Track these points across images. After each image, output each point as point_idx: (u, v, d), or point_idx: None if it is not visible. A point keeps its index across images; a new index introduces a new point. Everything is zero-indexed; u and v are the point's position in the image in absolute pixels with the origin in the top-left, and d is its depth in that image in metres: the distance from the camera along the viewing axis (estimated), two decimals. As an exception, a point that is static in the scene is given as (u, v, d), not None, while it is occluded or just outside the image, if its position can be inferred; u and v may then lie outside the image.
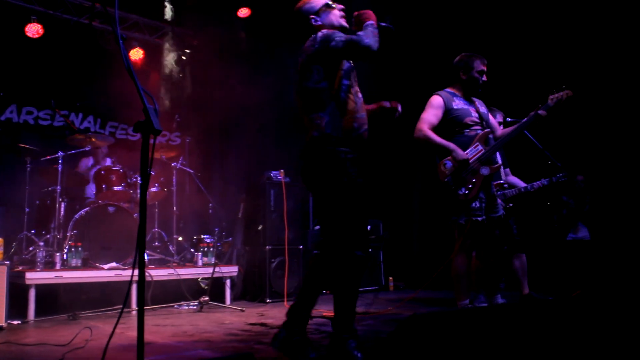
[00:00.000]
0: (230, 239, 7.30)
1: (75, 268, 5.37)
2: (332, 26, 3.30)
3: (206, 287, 5.99)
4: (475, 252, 4.45)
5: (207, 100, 8.55)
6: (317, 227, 8.34)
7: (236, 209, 7.40)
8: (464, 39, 7.02)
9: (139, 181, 6.30)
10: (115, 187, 6.05)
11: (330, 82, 3.18)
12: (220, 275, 6.10)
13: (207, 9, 8.03)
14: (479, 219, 4.19)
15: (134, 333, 4.19)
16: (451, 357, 2.12)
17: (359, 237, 3.09)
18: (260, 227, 6.60)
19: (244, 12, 8.31)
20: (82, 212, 5.72)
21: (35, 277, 5.01)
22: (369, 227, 7.61)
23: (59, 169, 5.86)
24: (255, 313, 5.41)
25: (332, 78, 3.19)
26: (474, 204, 4.20)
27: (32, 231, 6.03)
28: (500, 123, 5.12)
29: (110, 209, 5.87)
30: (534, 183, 5.34)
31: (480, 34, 7.16)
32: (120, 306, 5.27)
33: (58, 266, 5.32)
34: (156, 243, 6.59)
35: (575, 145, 6.87)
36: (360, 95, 3.30)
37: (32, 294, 4.95)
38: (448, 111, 4.35)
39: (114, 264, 5.57)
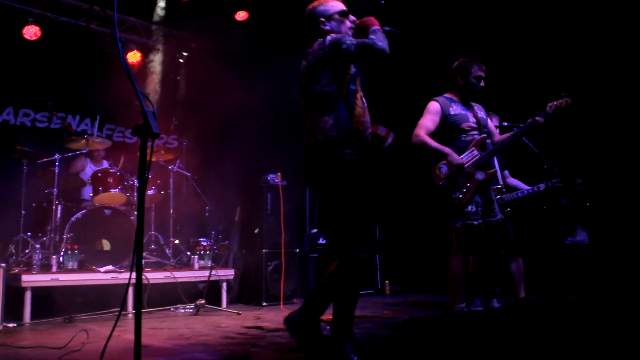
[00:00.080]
0: (227, 242, 7.30)
1: (72, 271, 5.37)
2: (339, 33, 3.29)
3: (203, 290, 5.99)
4: (471, 256, 4.47)
5: (204, 103, 8.55)
6: (314, 231, 8.36)
7: (233, 212, 7.40)
8: (463, 45, 7.05)
9: (135, 184, 6.29)
10: (112, 190, 6.04)
11: (337, 86, 3.18)
12: (216, 278, 6.10)
13: (205, 12, 8.04)
14: (475, 222, 4.22)
15: (130, 336, 4.20)
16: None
17: (363, 239, 3.10)
18: (256, 231, 6.60)
19: (241, 15, 8.32)
20: (79, 214, 5.71)
21: (32, 279, 5.00)
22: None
23: (56, 171, 5.86)
24: (251, 316, 5.41)
25: (339, 82, 3.19)
26: (469, 208, 4.23)
27: (29, 233, 6.01)
28: (496, 127, 5.14)
29: (107, 211, 5.86)
30: (535, 186, 5.37)
31: (479, 39, 7.20)
32: (117, 309, 5.32)
33: (54, 269, 5.32)
34: (153, 246, 6.58)
35: (573, 148, 6.91)
36: (364, 100, 3.31)
37: (28, 296, 4.94)
38: (445, 117, 4.39)
39: (110, 267, 5.56)
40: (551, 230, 6.49)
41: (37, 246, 5.56)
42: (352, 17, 3.37)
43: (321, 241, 7.81)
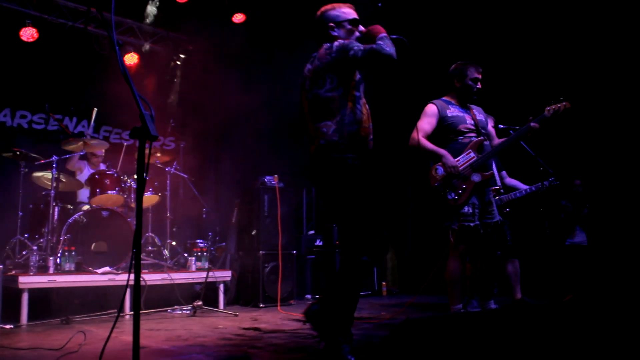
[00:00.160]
0: (224, 243, 7.30)
1: (69, 272, 5.37)
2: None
3: (200, 292, 5.99)
4: (468, 258, 4.49)
5: (201, 105, 8.57)
6: (311, 232, 8.38)
7: (230, 213, 7.41)
8: (462, 48, 7.11)
9: (133, 185, 6.30)
10: (109, 192, 6.04)
11: (341, 92, 3.20)
12: (213, 280, 6.10)
13: (202, 14, 8.05)
14: (471, 224, 4.24)
15: (127, 337, 4.21)
16: (444, 362, 2.15)
17: (365, 242, 3.11)
18: (254, 232, 6.61)
19: (238, 18, 8.33)
20: (76, 216, 5.71)
21: (29, 281, 4.99)
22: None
23: (53, 173, 5.85)
24: (248, 318, 5.42)
25: (344, 88, 3.21)
26: (465, 210, 4.26)
27: (26, 235, 6.01)
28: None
29: (104, 213, 5.86)
30: (533, 186, 5.40)
31: (477, 42, 7.25)
32: (114, 310, 5.33)
33: (51, 270, 5.32)
34: (150, 248, 6.58)
35: (572, 150, 6.95)
36: (367, 106, 3.34)
37: (25, 298, 4.94)
38: (442, 119, 4.43)
39: (107, 269, 5.56)
40: (547, 232, 6.51)
41: (34, 248, 5.56)
42: (362, 28, 3.37)
43: (318, 243, 7.82)
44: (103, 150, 6.91)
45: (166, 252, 6.52)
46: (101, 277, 5.43)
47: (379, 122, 3.51)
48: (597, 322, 2.88)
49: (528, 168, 5.55)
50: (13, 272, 5.39)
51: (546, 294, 6.21)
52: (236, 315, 5.54)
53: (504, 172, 5.71)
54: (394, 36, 3.25)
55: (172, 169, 6.91)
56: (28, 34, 7.27)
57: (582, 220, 7.06)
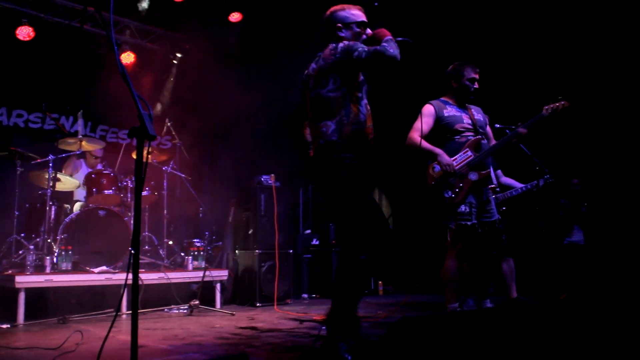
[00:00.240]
0: (221, 243, 7.31)
1: (66, 271, 5.37)
2: None
3: (197, 291, 6.00)
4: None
5: (198, 104, 8.56)
6: (307, 231, 8.39)
7: (226, 213, 7.42)
8: (461, 48, 7.16)
9: (129, 185, 6.29)
10: (105, 191, 6.04)
11: (343, 92, 3.24)
12: (210, 279, 6.11)
13: (199, 13, 8.05)
14: (468, 223, 4.26)
15: (124, 336, 4.22)
16: (441, 359, 2.17)
17: (363, 241, 3.13)
18: (250, 231, 6.61)
19: (235, 17, 8.33)
20: (73, 215, 5.71)
21: (25, 280, 4.99)
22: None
23: (50, 172, 5.85)
24: (245, 317, 5.43)
25: (346, 88, 3.24)
26: (461, 209, 4.28)
27: (22, 234, 6.00)
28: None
29: (101, 212, 5.86)
30: (529, 184, 5.42)
31: (476, 43, 7.28)
32: (111, 309, 5.33)
33: (48, 270, 5.32)
34: (146, 247, 6.58)
35: (570, 149, 6.99)
36: (368, 107, 3.36)
37: (21, 297, 4.93)
38: (439, 119, 4.47)
39: (104, 268, 5.56)
40: (543, 230, 6.54)
41: (31, 247, 5.56)
42: (369, 32, 3.39)
43: (314, 242, 7.84)
44: (102, 151, 6.91)
45: (163, 252, 6.52)
46: (98, 276, 5.43)
47: (378, 121, 3.52)
48: (591, 321, 2.90)
49: (524, 167, 5.58)
50: (10, 271, 5.39)
51: (542, 293, 6.23)
52: (233, 315, 5.55)
53: (499, 171, 5.74)
54: (400, 38, 3.29)
55: (169, 168, 6.91)
56: (24, 33, 7.26)
57: (580, 218, 7.09)
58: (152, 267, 6.25)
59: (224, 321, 5.14)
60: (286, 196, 6.97)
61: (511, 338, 2.44)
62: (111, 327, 2.47)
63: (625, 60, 6.54)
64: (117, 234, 5.83)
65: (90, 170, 6.64)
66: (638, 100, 6.47)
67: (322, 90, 3.27)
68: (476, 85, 4.51)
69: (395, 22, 4.60)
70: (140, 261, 6.27)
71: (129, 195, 6.30)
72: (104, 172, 6.17)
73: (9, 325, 4.75)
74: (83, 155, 6.84)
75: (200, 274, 6.01)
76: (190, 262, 6.28)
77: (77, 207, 6.18)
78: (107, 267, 5.59)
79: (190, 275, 6.15)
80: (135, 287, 2.05)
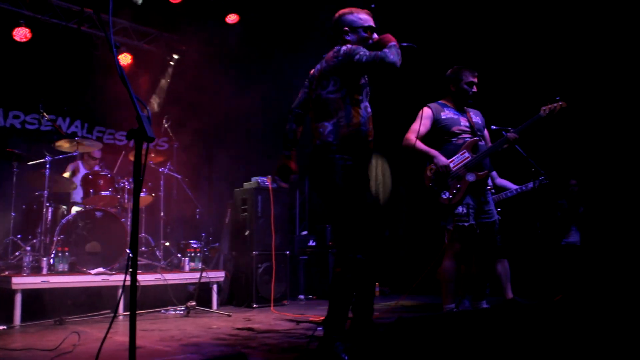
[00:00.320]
0: (217, 244, 7.32)
1: (62, 273, 5.37)
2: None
3: (193, 292, 6.01)
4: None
5: (195, 106, 8.57)
6: (304, 233, 8.40)
7: (223, 214, 7.42)
8: (458, 49, 7.21)
9: (126, 186, 6.30)
10: (102, 192, 6.04)
11: (342, 94, 3.28)
12: (207, 280, 6.12)
13: (195, 15, 8.06)
14: (465, 224, 4.29)
15: (121, 338, 4.22)
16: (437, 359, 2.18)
17: (359, 241, 3.17)
18: (247, 233, 6.62)
19: (232, 19, 8.35)
20: (69, 216, 5.72)
21: (22, 282, 4.99)
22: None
23: (47, 173, 5.85)
24: (242, 318, 5.43)
25: (346, 91, 3.29)
26: (459, 210, 4.31)
27: (19, 236, 6.01)
28: None
29: (98, 213, 5.87)
30: (523, 185, 5.45)
31: (473, 44, 7.32)
32: (107, 311, 5.32)
33: (45, 271, 5.32)
34: (143, 248, 6.59)
35: (568, 150, 7.03)
36: (369, 110, 3.39)
37: (18, 298, 4.93)
38: (436, 121, 4.51)
39: (101, 269, 5.56)
40: (539, 232, 6.57)
41: (28, 248, 5.55)
42: (375, 37, 3.43)
43: (311, 243, 7.85)
44: (100, 152, 6.91)
45: (159, 253, 6.53)
46: (95, 277, 5.44)
47: (378, 123, 3.56)
48: (586, 322, 2.93)
49: (520, 168, 5.61)
50: (6, 272, 5.38)
51: (538, 294, 6.25)
52: (229, 316, 5.56)
53: (494, 173, 5.76)
54: (405, 44, 3.35)
55: (166, 170, 6.93)
56: (21, 34, 7.26)
57: (578, 219, 7.13)
58: (149, 269, 6.25)
59: (220, 322, 5.14)
60: (283, 197, 6.98)
61: (507, 338, 2.46)
62: (109, 328, 2.48)
63: (623, 61, 6.58)
64: (113, 235, 5.84)
65: (87, 171, 6.65)
66: (635, 101, 6.51)
67: (322, 92, 3.33)
68: (474, 89, 4.56)
69: (393, 24, 4.63)
70: (137, 262, 6.26)
71: (126, 197, 6.31)
72: (101, 173, 6.17)
73: (5, 327, 4.75)
74: (81, 156, 6.84)
75: (197, 275, 6.02)
76: (186, 263, 6.28)
77: (73, 210, 6.17)
78: (103, 268, 5.60)
79: (186, 276, 6.16)
80: (133, 289, 2.07)
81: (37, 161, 6.03)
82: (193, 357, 3.50)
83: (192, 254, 6.37)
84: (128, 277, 2.06)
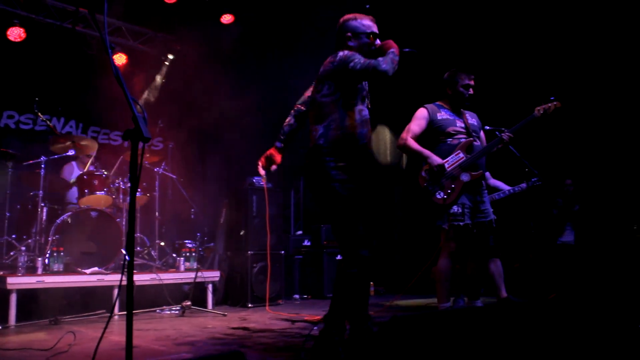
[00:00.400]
0: (212, 244, 7.33)
1: (57, 273, 5.36)
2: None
3: (188, 292, 6.01)
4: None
5: (190, 106, 8.57)
6: (299, 232, 8.42)
7: (218, 214, 7.43)
8: (454, 48, 7.25)
9: (121, 186, 6.30)
10: (97, 192, 6.04)
11: (335, 98, 3.33)
12: (202, 280, 6.12)
13: (190, 15, 8.06)
14: (460, 224, 4.33)
15: (116, 337, 4.23)
16: (432, 358, 2.20)
17: (360, 238, 3.21)
18: (242, 232, 6.63)
19: (227, 19, 8.35)
20: (65, 216, 5.71)
21: (17, 282, 4.98)
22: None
23: (42, 173, 5.84)
24: (237, 317, 5.45)
25: (340, 95, 3.33)
26: (454, 209, 4.35)
27: (13, 236, 5.99)
28: None
29: (93, 213, 5.87)
30: (516, 186, 5.48)
31: (469, 44, 7.36)
32: (102, 310, 5.33)
33: (40, 271, 5.31)
34: (138, 248, 6.59)
35: (564, 149, 7.07)
36: (364, 113, 3.41)
37: (13, 298, 4.92)
38: (432, 121, 4.57)
39: (96, 269, 5.56)
40: (532, 232, 6.61)
41: (23, 248, 5.56)
42: (378, 42, 3.47)
43: (306, 243, 7.87)
44: (95, 152, 6.90)
45: (155, 253, 6.53)
46: (90, 277, 5.43)
47: (376, 123, 3.61)
48: (579, 320, 2.96)
49: (514, 168, 5.64)
50: (1, 272, 5.36)
51: (532, 293, 6.29)
52: (225, 315, 5.57)
53: (487, 173, 5.79)
54: (407, 49, 3.44)
55: (161, 170, 6.93)
56: (15, 33, 7.24)
57: (573, 217, 7.17)
58: (144, 268, 6.26)
59: (216, 322, 5.16)
60: (278, 197, 7.00)
61: (500, 336, 2.48)
62: (106, 327, 2.50)
63: (617, 61, 6.63)
64: (109, 235, 5.84)
65: (82, 171, 6.64)
66: (630, 101, 6.56)
67: (317, 95, 3.38)
68: (471, 92, 4.60)
69: (391, 25, 4.66)
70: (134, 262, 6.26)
71: (121, 197, 6.31)
72: (96, 173, 6.17)
73: (0, 327, 4.75)
74: (75, 157, 6.83)
75: (192, 274, 6.03)
76: (182, 263, 6.29)
77: (68, 210, 6.16)
78: (98, 268, 5.60)
79: (182, 276, 6.16)
80: (129, 289, 2.08)
81: (33, 161, 6.02)
82: (190, 356, 3.51)
83: (187, 254, 6.37)
84: (124, 277, 2.08)
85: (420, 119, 4.58)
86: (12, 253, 5.79)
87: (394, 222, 8.89)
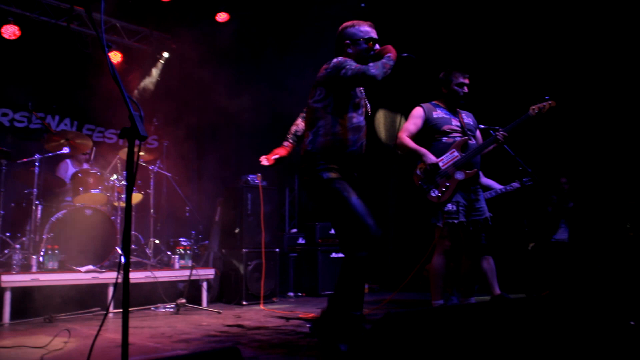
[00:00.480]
0: (207, 241, 7.34)
1: (52, 271, 5.36)
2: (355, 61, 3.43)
3: (183, 290, 6.02)
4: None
5: (185, 104, 8.58)
6: (294, 230, 8.44)
7: (213, 212, 7.44)
8: (450, 47, 7.28)
9: (116, 184, 6.30)
10: (92, 190, 6.04)
11: (325, 104, 3.38)
12: (197, 278, 6.13)
13: (186, 13, 8.06)
14: (455, 221, 4.36)
15: (111, 335, 4.24)
16: (425, 354, 2.22)
17: (358, 238, 3.25)
18: (237, 230, 6.65)
19: (222, 17, 8.35)
20: (59, 214, 5.71)
21: (11, 279, 4.98)
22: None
23: (36, 171, 5.83)
24: (231, 315, 5.46)
25: (329, 101, 3.38)
26: (449, 207, 4.38)
27: (7, 234, 5.99)
28: None
29: (87, 211, 5.86)
30: (508, 185, 5.51)
31: (464, 43, 7.40)
32: (97, 308, 5.33)
33: (34, 269, 5.31)
34: (133, 246, 6.58)
35: (560, 148, 7.11)
36: (355, 120, 3.44)
37: (7, 296, 4.92)
38: (428, 120, 4.62)
39: (90, 267, 5.56)
40: (526, 229, 6.64)
41: (17, 246, 5.55)
42: (377, 47, 3.51)
43: (300, 241, 7.89)
44: (89, 150, 6.89)
45: (149, 251, 6.54)
46: (84, 275, 5.43)
47: (369, 123, 3.64)
48: (571, 316, 2.99)
49: (508, 167, 5.67)
50: (-5, 270, 5.38)
51: (526, 290, 6.33)
52: (219, 313, 5.59)
53: (479, 172, 5.82)
54: (405, 54, 3.50)
55: (156, 168, 6.93)
56: (10, 31, 7.22)
57: (567, 214, 7.21)
58: (139, 266, 6.26)
59: (210, 319, 5.17)
60: (273, 195, 7.02)
61: (494, 333, 2.51)
62: (101, 325, 2.51)
63: (612, 61, 6.67)
64: (103, 233, 5.85)
65: (76, 169, 6.64)
66: (626, 100, 6.60)
67: (310, 101, 3.44)
68: (465, 90, 4.65)
69: (382, 23, 4.67)
70: (130, 260, 6.26)
71: (116, 195, 6.31)
72: (91, 171, 6.17)
73: (-6, 325, 4.75)
74: (70, 154, 6.82)
75: (187, 272, 6.04)
76: (176, 260, 6.30)
77: (62, 208, 6.16)
78: (93, 266, 5.60)
79: (176, 274, 6.17)
80: (125, 287, 2.09)
81: (27, 159, 6.01)
82: (182, 354, 3.52)
83: (182, 252, 6.39)
84: (119, 275, 2.09)
85: (416, 117, 4.63)
86: (6, 251, 5.78)
87: (389, 220, 8.92)
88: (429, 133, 4.61)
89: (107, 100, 7.43)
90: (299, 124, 3.80)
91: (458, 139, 4.55)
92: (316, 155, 3.34)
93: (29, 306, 5.23)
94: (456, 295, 5.25)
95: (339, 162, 3.35)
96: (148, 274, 5.85)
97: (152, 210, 6.82)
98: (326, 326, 3.26)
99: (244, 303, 6.30)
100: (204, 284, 6.20)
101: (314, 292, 7.35)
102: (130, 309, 5.60)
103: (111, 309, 5.46)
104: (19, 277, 5.07)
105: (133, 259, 6.36)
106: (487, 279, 5.43)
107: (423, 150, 4.47)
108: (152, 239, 6.71)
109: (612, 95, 6.77)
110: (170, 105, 8.37)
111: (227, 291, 6.64)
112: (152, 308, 5.87)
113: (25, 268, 5.38)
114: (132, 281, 5.63)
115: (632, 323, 3.25)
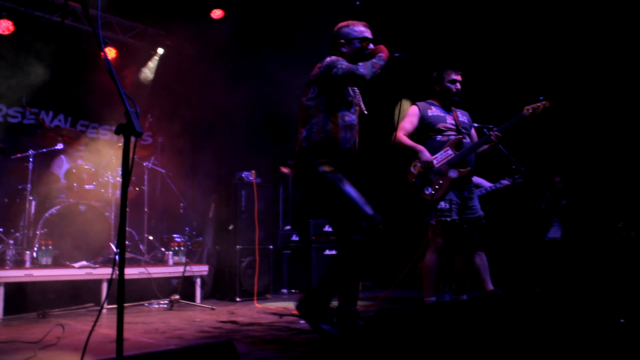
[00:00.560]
0: (201, 238, 7.34)
1: (46, 266, 5.36)
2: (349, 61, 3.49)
3: (177, 286, 6.03)
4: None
5: (179, 101, 8.56)
6: (287, 227, 8.45)
7: (207, 208, 7.45)
8: (446, 47, 7.29)
9: (110, 180, 6.30)
10: (86, 186, 6.04)
11: (317, 102, 3.45)
12: (190, 274, 6.14)
13: (181, 10, 8.05)
14: (448, 219, 4.40)
15: (105, 330, 4.25)
16: (418, 350, 2.25)
17: (352, 224, 3.32)
18: (231, 227, 6.65)
19: (217, 14, 8.35)
20: (53, 210, 5.70)
21: (5, 275, 4.97)
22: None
23: (30, 167, 5.83)
24: (225, 311, 5.48)
25: (322, 99, 3.45)
26: (442, 205, 4.42)
27: (1, 229, 5.97)
28: None
29: (81, 207, 5.86)
30: (497, 183, 5.54)
31: (460, 42, 7.42)
32: (90, 304, 5.33)
33: (28, 264, 5.30)
34: (127, 242, 6.59)
35: (556, 148, 7.15)
36: (347, 118, 3.51)
37: (0, 292, 4.91)
38: (423, 118, 4.66)
39: (84, 263, 5.57)
40: (519, 227, 6.68)
41: (10, 242, 5.54)
42: (371, 47, 3.58)
43: (294, 238, 7.90)
44: (84, 146, 6.89)
45: (143, 247, 6.54)
46: (78, 271, 5.43)
47: (364, 122, 3.69)
48: (562, 313, 3.02)
49: (501, 165, 5.71)
50: (-12, 266, 5.37)
51: (518, 288, 6.37)
52: (213, 309, 5.60)
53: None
54: (397, 55, 3.55)
55: (150, 164, 6.93)
56: (3, 26, 7.19)
57: (560, 211, 7.26)
58: (133, 262, 6.26)
59: (204, 315, 5.18)
60: (267, 192, 7.03)
61: (486, 329, 2.54)
62: (96, 321, 2.52)
63: (606, 60, 6.71)
64: (97, 229, 5.85)
65: (70, 165, 6.63)
66: (621, 100, 6.64)
67: (304, 99, 3.51)
68: (458, 86, 4.68)
69: (377, 21, 4.69)
70: (125, 256, 6.26)
71: (110, 191, 6.31)
72: (85, 167, 6.16)
73: (-12, 320, 4.75)
74: (64, 150, 6.81)
75: (181, 269, 6.05)
76: (170, 257, 6.30)
77: (56, 203, 6.15)
78: (87, 262, 5.60)
79: (170, 270, 6.18)
80: (120, 282, 2.10)
81: (21, 155, 6.00)
82: (180, 346, 3.53)
83: (176, 248, 6.40)
84: (112, 270, 2.10)
85: (412, 115, 4.68)
86: (0, 246, 5.77)
87: (382, 217, 8.93)
88: (424, 131, 4.65)
89: (102, 96, 7.42)
90: None
91: (452, 137, 4.58)
92: (311, 152, 3.40)
93: (23, 301, 5.21)
94: (449, 292, 5.29)
95: (333, 159, 3.41)
96: (142, 270, 5.85)
97: (146, 207, 6.82)
98: (311, 306, 3.32)
99: (238, 299, 6.32)
100: (198, 280, 6.21)
101: (307, 288, 7.36)
102: (124, 304, 5.63)
103: (105, 304, 5.46)
104: (12, 272, 5.06)
105: (127, 255, 6.35)
106: (479, 274, 5.48)
107: (419, 147, 4.50)
108: (146, 235, 6.72)
109: (607, 95, 6.81)
110: (165, 102, 8.37)
111: (220, 287, 6.66)
112: (146, 304, 5.87)
113: (19, 264, 5.37)
114: (126, 277, 5.60)
115: (622, 321, 3.29)
